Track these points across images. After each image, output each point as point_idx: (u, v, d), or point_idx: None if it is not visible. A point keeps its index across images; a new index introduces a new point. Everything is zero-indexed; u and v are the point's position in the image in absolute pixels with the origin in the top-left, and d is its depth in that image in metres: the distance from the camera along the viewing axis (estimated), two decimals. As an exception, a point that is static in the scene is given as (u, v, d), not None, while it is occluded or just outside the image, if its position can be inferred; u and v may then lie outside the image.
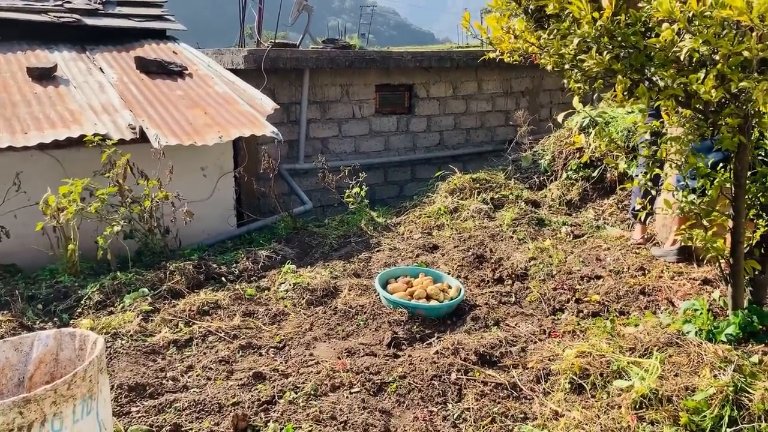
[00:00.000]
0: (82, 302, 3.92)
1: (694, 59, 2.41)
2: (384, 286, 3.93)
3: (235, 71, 6.73)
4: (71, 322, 3.74)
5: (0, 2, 6.75)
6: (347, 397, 2.79)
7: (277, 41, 7.79)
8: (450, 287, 3.96)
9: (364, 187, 5.77)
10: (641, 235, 4.79)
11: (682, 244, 3.57)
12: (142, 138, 4.96)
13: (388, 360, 3.13)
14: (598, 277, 4.15)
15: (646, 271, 4.19)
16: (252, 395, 2.82)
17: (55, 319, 3.78)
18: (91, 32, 6.85)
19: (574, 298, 3.82)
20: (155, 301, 3.91)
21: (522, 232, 5.14)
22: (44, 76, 5.66)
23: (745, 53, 2.15)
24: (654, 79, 2.69)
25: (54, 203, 4.27)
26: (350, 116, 7.95)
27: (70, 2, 7.20)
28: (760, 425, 2.36)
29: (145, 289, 4.02)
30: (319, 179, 5.88)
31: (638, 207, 3.48)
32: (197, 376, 3.06)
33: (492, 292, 4.03)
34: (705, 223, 3.13)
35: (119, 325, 3.56)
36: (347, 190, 5.80)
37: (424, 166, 8.51)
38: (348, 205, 5.85)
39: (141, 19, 7.32)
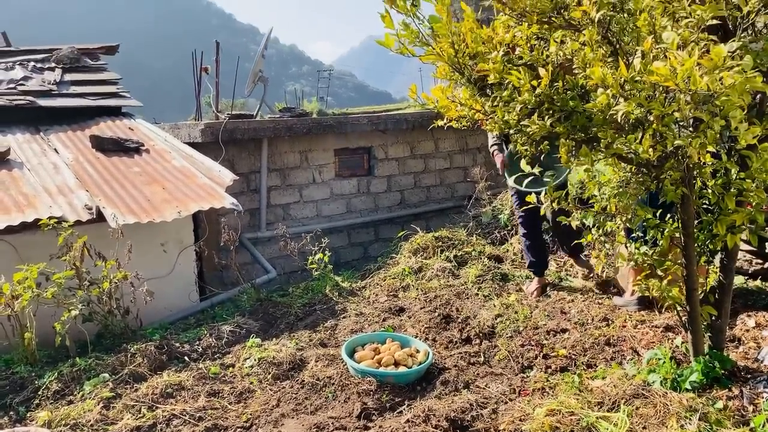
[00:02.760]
0: (40, 393, 3.77)
1: (631, 120, 2.52)
2: (351, 354, 3.89)
3: (193, 144, 6.75)
4: (28, 414, 3.58)
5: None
6: (317, 476, 2.72)
7: (234, 113, 7.86)
8: (418, 351, 3.93)
9: (327, 252, 5.76)
10: (536, 287, 5.05)
11: (640, 294, 3.64)
12: (100, 218, 4.90)
13: (358, 433, 3.08)
14: (564, 331, 4.18)
15: (610, 322, 4.24)
16: (219, 481, 2.73)
17: (11, 413, 3.62)
18: (46, 113, 6.85)
19: (541, 354, 3.84)
20: (117, 386, 3.80)
21: (487, 289, 5.17)
22: (-3, 160, 5.60)
23: (676, 114, 2.27)
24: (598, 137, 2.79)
25: (8, 291, 4.16)
26: (311, 181, 8.00)
27: (23, 84, 7.19)
28: (729, 474, 2.37)
29: (106, 375, 3.90)
30: (281, 247, 5.85)
31: (593, 260, 3.54)
32: (161, 464, 2.96)
33: (460, 353, 4.02)
34: (659, 272, 3.21)
35: (79, 415, 3.43)
36: (310, 257, 5.78)
37: (387, 226, 8.56)
38: (312, 271, 5.82)
39: (96, 97, 7.34)
